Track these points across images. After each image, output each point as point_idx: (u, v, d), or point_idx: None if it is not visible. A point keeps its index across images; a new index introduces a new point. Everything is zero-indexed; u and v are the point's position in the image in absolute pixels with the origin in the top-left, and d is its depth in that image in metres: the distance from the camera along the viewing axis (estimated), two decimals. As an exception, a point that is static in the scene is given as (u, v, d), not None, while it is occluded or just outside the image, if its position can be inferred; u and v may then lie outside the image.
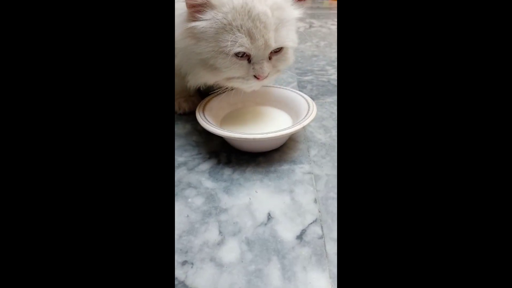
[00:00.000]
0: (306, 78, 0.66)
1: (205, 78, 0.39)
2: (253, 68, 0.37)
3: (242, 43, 0.34)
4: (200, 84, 0.41)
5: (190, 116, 0.50)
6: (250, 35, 0.34)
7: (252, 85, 0.38)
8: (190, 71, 0.40)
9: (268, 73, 0.37)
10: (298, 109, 0.43)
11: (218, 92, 0.46)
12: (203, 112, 0.41)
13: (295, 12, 0.38)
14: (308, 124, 0.42)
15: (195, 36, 0.35)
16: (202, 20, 0.34)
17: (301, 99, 0.43)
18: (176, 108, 0.51)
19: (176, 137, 0.45)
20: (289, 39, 0.38)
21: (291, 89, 0.47)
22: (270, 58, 0.38)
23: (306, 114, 0.39)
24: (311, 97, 0.44)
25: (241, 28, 0.34)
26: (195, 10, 0.34)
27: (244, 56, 0.36)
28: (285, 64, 0.40)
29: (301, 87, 0.61)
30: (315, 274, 0.25)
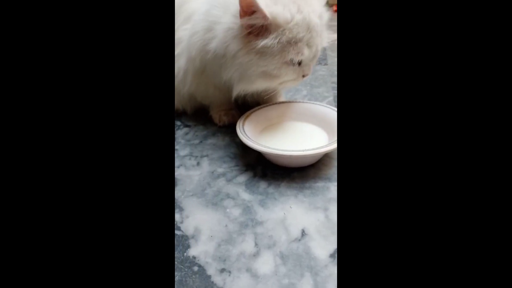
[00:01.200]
0: (343, 92, 0.66)
1: (260, 86, 0.43)
2: (302, 70, 0.41)
3: (304, 53, 0.38)
4: (248, 92, 0.45)
5: (229, 129, 0.53)
6: (308, 44, 0.39)
7: (298, 82, 0.44)
8: (244, 82, 0.42)
9: None
10: (334, 125, 0.43)
11: (258, 107, 0.49)
12: (243, 126, 0.43)
13: (327, 14, 0.42)
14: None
15: (258, 51, 0.38)
16: (269, 38, 0.37)
17: (335, 114, 0.44)
18: (217, 120, 0.55)
19: (215, 148, 0.48)
20: (325, 40, 0.42)
21: (326, 105, 0.47)
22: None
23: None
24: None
25: (303, 39, 0.38)
26: (257, 30, 0.37)
27: (298, 62, 0.40)
28: (316, 59, 0.44)
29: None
30: (348, 295, 0.25)
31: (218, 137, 0.52)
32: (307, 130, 0.46)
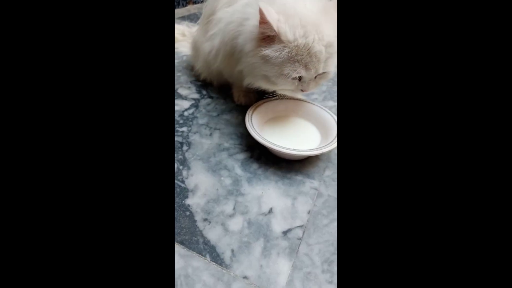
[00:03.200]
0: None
1: (262, 86, 0.50)
2: (301, 85, 0.47)
3: (299, 72, 0.44)
4: (255, 87, 0.52)
5: (245, 108, 0.61)
6: (306, 66, 0.43)
7: (297, 95, 0.49)
8: (250, 77, 0.50)
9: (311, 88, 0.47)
10: (329, 131, 0.50)
11: (270, 98, 0.56)
12: (251, 116, 0.51)
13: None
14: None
15: (264, 57, 0.44)
16: (272, 49, 0.42)
17: (333, 123, 0.50)
18: (236, 99, 0.63)
19: (228, 124, 0.58)
20: (332, 66, 0.46)
21: (328, 110, 0.53)
22: (315, 77, 0.46)
23: (333, 139, 0.47)
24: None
25: (301, 61, 0.43)
26: (267, 39, 0.43)
27: (297, 77, 0.45)
28: (325, 80, 0.49)
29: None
30: (283, 260, 0.35)
31: (233, 114, 0.61)
32: (305, 129, 0.53)
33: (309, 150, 0.45)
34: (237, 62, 0.54)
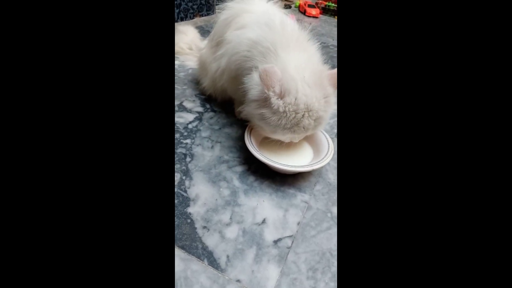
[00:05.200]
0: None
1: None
2: (290, 139, 0.52)
3: (288, 137, 0.50)
4: None
5: (245, 123, 0.66)
6: (292, 131, 0.48)
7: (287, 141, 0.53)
8: (247, 115, 0.54)
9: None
10: (321, 148, 0.54)
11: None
12: (250, 131, 0.56)
13: (331, 110, 0.50)
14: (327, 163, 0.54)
15: (261, 115, 0.48)
16: (268, 110, 0.47)
17: (325, 141, 0.55)
18: (237, 114, 0.68)
19: (228, 138, 0.62)
20: (320, 129, 0.52)
21: (322, 130, 0.58)
22: None
23: (324, 156, 0.51)
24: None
25: (290, 128, 0.48)
26: (265, 100, 0.47)
27: None
28: (317, 130, 0.53)
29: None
30: (272, 266, 0.40)
31: (234, 128, 0.65)
32: (299, 146, 0.58)
33: (302, 166, 0.50)
34: (239, 83, 0.58)
